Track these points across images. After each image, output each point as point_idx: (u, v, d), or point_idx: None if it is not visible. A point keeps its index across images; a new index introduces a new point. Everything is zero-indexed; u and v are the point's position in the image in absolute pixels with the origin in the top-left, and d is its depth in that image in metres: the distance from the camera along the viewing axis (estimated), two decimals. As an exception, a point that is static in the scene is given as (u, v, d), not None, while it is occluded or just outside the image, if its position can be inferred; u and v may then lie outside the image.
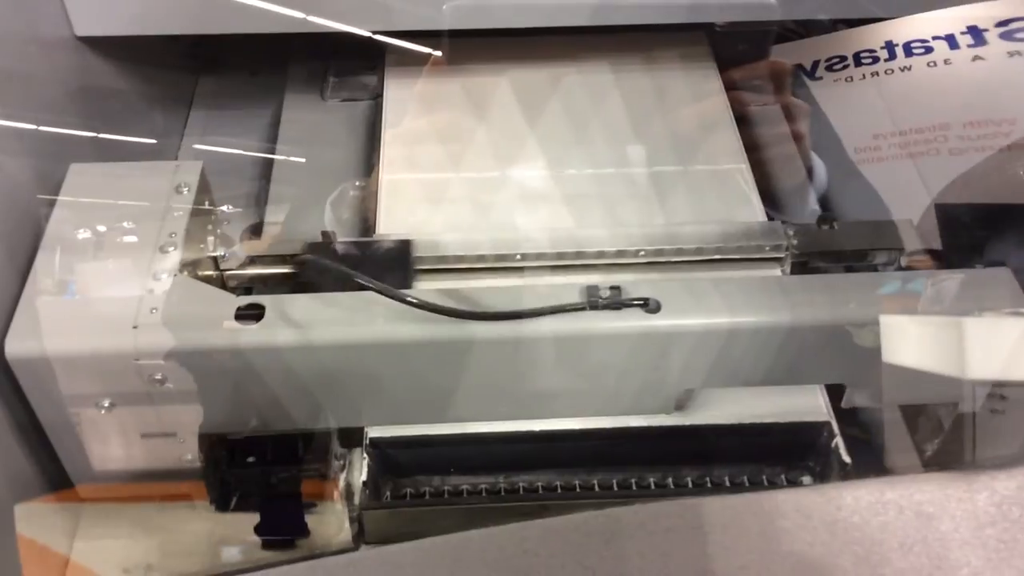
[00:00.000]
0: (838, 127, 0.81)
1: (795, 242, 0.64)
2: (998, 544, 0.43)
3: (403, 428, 0.62)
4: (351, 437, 0.64)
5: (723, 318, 0.58)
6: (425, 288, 0.62)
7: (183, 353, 0.56)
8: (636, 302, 0.57)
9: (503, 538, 0.44)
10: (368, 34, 0.73)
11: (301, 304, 0.58)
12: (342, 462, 0.64)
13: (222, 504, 0.64)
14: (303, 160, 0.80)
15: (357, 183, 0.75)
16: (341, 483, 0.63)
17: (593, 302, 0.57)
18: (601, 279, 0.59)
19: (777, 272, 0.64)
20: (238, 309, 0.57)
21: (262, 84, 0.90)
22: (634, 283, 0.59)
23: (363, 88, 0.86)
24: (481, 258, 0.63)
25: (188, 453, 0.61)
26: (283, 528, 0.63)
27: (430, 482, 0.64)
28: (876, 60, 0.83)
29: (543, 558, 0.43)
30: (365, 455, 0.62)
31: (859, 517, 0.44)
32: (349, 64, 0.88)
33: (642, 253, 0.63)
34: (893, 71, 0.82)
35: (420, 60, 0.78)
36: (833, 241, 0.64)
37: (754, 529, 0.44)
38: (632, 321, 0.57)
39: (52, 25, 0.72)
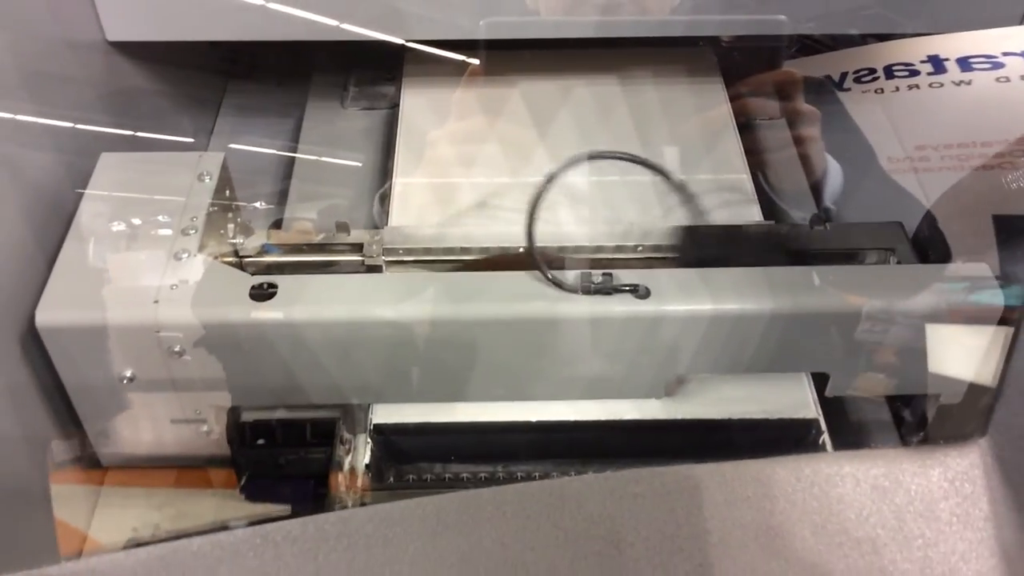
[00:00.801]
0: (872, 137, 0.82)
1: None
2: (951, 517, 0.45)
3: (407, 415, 0.64)
4: (356, 422, 0.66)
5: (710, 304, 0.60)
6: (431, 275, 0.65)
7: (200, 326, 0.59)
8: (626, 287, 0.60)
9: (483, 500, 0.46)
10: (397, 40, 0.77)
11: (312, 284, 0.61)
12: (347, 446, 0.66)
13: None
14: (323, 161, 0.83)
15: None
16: (346, 467, 0.65)
17: (586, 287, 0.60)
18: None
19: None
20: (252, 287, 0.60)
21: (286, 94, 0.93)
22: (631, 277, 0.61)
23: (382, 97, 0.89)
24: (486, 250, 0.65)
25: (205, 425, 0.64)
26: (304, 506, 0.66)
27: (431, 469, 0.66)
28: (915, 73, 0.84)
29: (520, 519, 0.45)
30: (369, 440, 0.64)
31: (818, 488, 0.46)
32: (369, 75, 0.91)
33: (640, 248, 0.66)
34: (943, 84, 0.82)
35: (436, 71, 0.82)
36: (825, 241, 0.66)
37: (718, 497, 0.46)
38: (622, 306, 0.60)
39: (84, 30, 0.75)
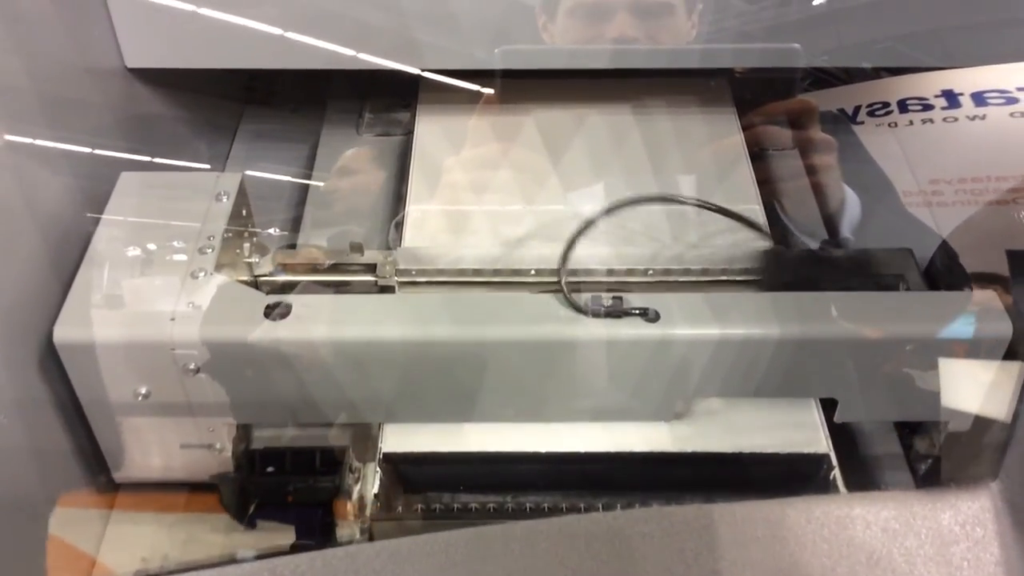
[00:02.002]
0: (887, 170, 0.82)
1: None
2: (961, 562, 0.44)
3: (416, 444, 0.64)
4: (366, 451, 0.66)
5: (718, 329, 0.60)
6: (442, 296, 0.66)
7: (215, 345, 0.59)
8: (635, 311, 0.60)
9: (491, 536, 0.46)
10: (412, 69, 0.77)
11: (326, 304, 0.62)
12: (356, 475, 0.66)
13: (240, 513, 0.67)
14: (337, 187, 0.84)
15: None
16: (354, 495, 0.65)
17: (596, 310, 0.60)
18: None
19: None
20: (267, 306, 0.60)
21: (302, 120, 0.94)
22: (641, 301, 0.61)
23: (396, 124, 0.89)
24: (497, 272, 0.66)
25: (218, 442, 0.64)
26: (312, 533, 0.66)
27: (440, 499, 0.65)
28: (929, 108, 0.84)
29: (528, 557, 0.45)
30: (378, 469, 0.64)
31: (828, 530, 0.45)
32: (383, 102, 0.92)
33: (650, 272, 0.66)
34: (957, 119, 0.82)
35: (450, 99, 0.82)
36: (835, 266, 0.66)
37: (727, 537, 0.45)
38: (631, 329, 0.60)
39: (104, 57, 0.75)
